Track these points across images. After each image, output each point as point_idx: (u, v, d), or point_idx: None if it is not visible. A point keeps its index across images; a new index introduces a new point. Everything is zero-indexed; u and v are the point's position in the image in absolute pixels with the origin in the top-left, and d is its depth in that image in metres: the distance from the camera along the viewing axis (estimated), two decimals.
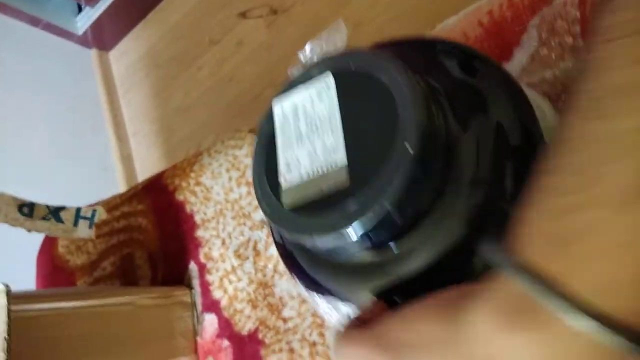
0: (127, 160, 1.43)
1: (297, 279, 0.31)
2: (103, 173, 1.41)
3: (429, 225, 0.25)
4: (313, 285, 0.30)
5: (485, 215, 0.25)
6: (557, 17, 0.35)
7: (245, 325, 0.52)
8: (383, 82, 0.24)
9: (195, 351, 0.55)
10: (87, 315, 0.48)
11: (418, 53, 0.30)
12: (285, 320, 0.50)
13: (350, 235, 0.23)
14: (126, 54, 1.59)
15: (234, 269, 0.54)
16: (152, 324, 0.54)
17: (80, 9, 1.55)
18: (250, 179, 0.53)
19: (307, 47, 0.30)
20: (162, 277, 0.60)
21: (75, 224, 0.48)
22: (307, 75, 0.27)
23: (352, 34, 0.30)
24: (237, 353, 0.52)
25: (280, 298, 0.51)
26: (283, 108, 0.28)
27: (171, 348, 0.54)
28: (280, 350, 0.50)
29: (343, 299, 0.28)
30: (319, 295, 0.30)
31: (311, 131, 0.26)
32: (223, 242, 0.55)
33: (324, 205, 0.24)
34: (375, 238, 0.24)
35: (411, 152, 0.22)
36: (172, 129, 1.36)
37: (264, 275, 0.52)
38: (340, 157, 0.25)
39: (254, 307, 0.52)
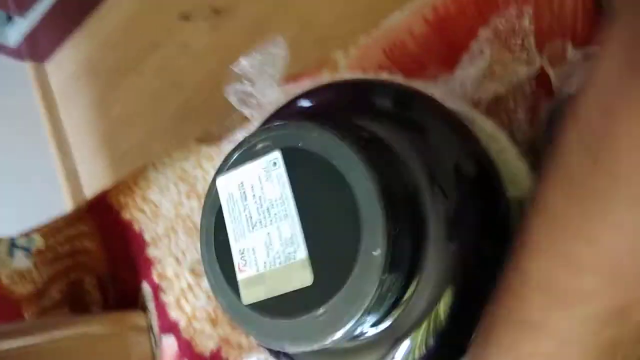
0: (72, 175, 1.36)
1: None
2: (49, 191, 1.34)
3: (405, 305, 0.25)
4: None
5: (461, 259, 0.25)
6: (510, 29, 0.34)
7: (207, 345, 0.50)
8: (337, 168, 0.23)
9: None
10: (35, 356, 0.45)
11: (355, 100, 0.29)
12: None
13: (323, 343, 0.22)
14: (63, 64, 1.52)
15: (190, 287, 0.51)
16: (107, 353, 0.50)
17: (10, 19, 1.47)
18: (202, 191, 0.51)
19: (243, 61, 0.28)
20: (114, 301, 0.57)
21: (11, 254, 0.44)
22: (251, 150, 0.25)
23: (300, 34, 0.28)
24: None
25: None
26: (229, 187, 0.25)
27: None
28: None
29: None
30: None
31: (263, 217, 0.24)
32: (177, 260, 0.52)
33: (289, 306, 0.23)
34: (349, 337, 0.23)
35: (381, 259, 0.21)
36: (118, 140, 1.30)
37: None
38: (299, 250, 0.23)
39: (215, 325, 0.50)
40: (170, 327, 0.52)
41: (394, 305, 0.24)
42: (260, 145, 0.25)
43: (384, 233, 0.21)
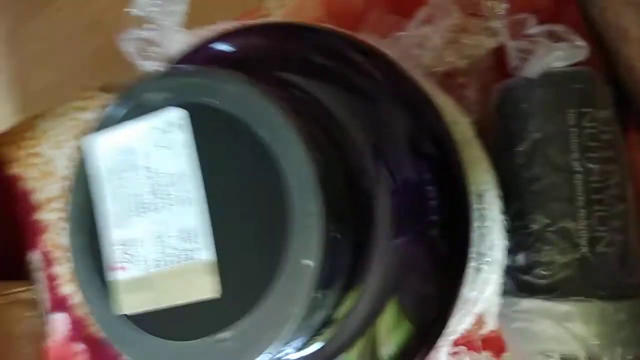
0: None
1: None
2: None
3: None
4: None
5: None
6: None
7: None
8: (261, 140, 0.17)
9: (44, 357, 0.46)
10: None
11: (288, 46, 0.23)
12: None
13: None
14: None
15: None
16: None
17: None
18: None
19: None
20: None
21: None
22: (144, 103, 0.18)
23: None
24: (95, 358, 0.44)
25: None
26: (109, 154, 0.19)
27: (11, 356, 0.44)
28: None
29: None
30: None
31: (156, 198, 0.18)
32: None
33: (185, 324, 0.17)
34: None
35: (313, 272, 0.16)
36: (27, 80, 1.17)
37: None
38: (203, 248, 0.17)
39: None
40: (62, 303, 0.45)
41: (324, 324, 0.19)
42: (157, 98, 0.18)
43: (320, 237, 0.16)
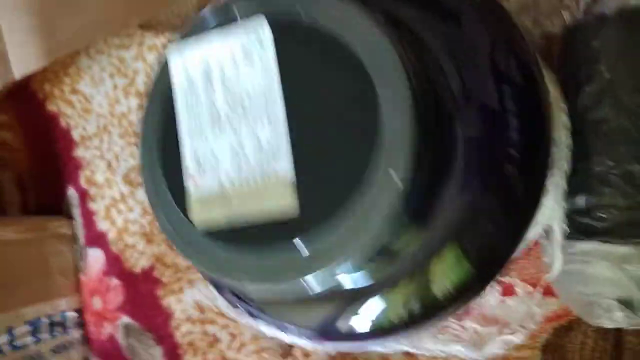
0: (1, 59, 1.23)
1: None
2: None
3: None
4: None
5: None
6: None
7: (137, 262, 0.44)
8: (354, 54, 0.16)
9: (78, 290, 0.47)
10: None
11: None
12: None
13: (301, 290, 0.17)
14: None
15: (123, 197, 0.45)
16: (21, 261, 0.44)
17: None
18: (143, 87, 0.43)
19: None
20: (34, 204, 0.50)
21: None
22: (226, 15, 0.17)
23: None
24: (128, 293, 0.45)
25: None
26: (187, 67, 0.18)
27: (46, 288, 0.45)
28: (180, 290, 0.43)
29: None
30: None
31: (235, 113, 0.17)
32: (109, 165, 0.45)
33: (259, 234, 0.17)
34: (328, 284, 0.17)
35: (399, 185, 0.15)
36: (56, 24, 1.17)
37: None
38: (283, 166, 0.16)
39: (149, 241, 0.44)
40: (97, 238, 0.46)
41: (381, 253, 0.19)
42: (238, 11, 0.17)
43: (409, 150, 0.15)
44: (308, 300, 0.19)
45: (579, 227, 0.26)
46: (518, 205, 0.21)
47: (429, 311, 0.20)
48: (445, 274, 0.20)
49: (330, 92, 0.16)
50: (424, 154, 0.16)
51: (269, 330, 0.23)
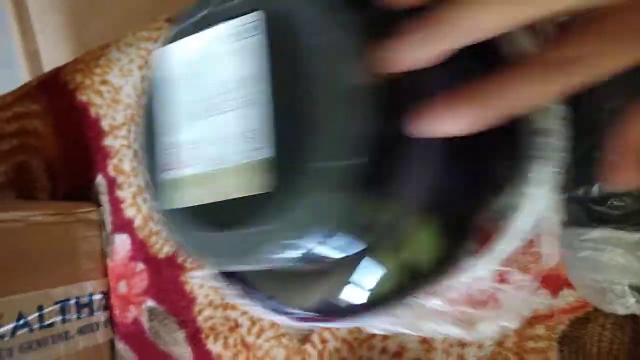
0: (33, 57, 1.26)
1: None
2: (5, 71, 1.24)
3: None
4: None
5: None
6: None
7: (162, 247, 0.46)
8: (329, 40, 0.17)
9: (105, 275, 0.49)
10: None
11: None
12: None
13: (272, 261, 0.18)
14: None
15: None
16: (50, 244, 0.46)
17: None
18: None
19: None
20: (64, 191, 0.51)
21: None
22: (218, 10, 0.19)
23: None
24: (153, 277, 0.46)
25: None
26: (182, 58, 0.20)
27: (74, 272, 0.47)
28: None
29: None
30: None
31: (224, 99, 0.19)
32: (136, 154, 0.47)
33: (239, 214, 0.18)
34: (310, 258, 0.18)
35: (364, 157, 0.16)
36: (85, 23, 1.20)
37: None
38: (263, 147, 0.18)
39: None
40: (124, 224, 0.48)
41: (362, 228, 0.20)
42: (231, 4, 0.19)
43: (369, 126, 0.16)
44: (294, 277, 0.20)
45: (594, 215, 0.26)
46: (486, 174, 0.21)
47: (413, 282, 0.21)
48: (420, 244, 0.21)
49: (310, 78, 0.18)
50: (383, 128, 0.17)
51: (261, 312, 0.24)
